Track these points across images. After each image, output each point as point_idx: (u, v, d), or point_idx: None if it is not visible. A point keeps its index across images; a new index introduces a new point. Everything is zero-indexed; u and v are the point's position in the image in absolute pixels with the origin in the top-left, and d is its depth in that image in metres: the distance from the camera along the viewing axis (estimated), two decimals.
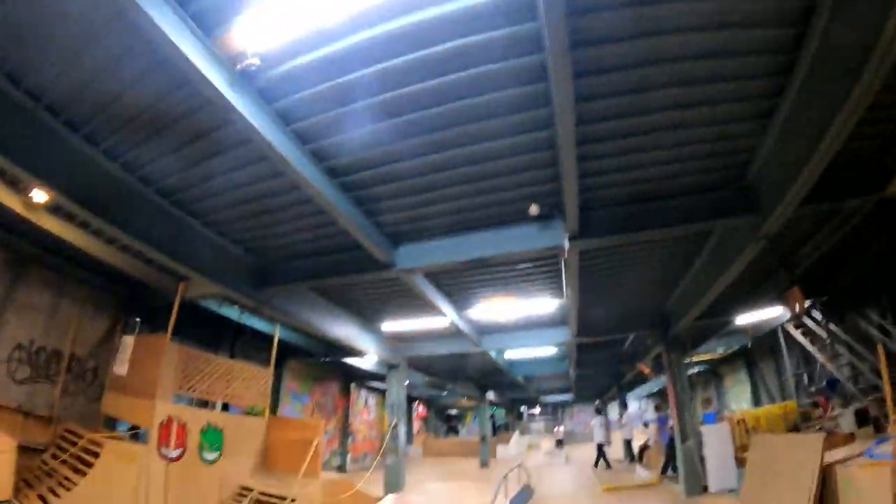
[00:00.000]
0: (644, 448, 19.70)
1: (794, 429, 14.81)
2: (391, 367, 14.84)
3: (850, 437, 11.48)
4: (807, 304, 14.41)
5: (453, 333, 12.92)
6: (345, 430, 21.51)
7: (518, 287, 10.56)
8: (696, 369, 26.83)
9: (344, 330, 11.91)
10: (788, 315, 15.18)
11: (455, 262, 8.16)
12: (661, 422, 19.21)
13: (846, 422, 12.30)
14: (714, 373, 28.33)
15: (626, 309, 12.33)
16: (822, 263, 11.04)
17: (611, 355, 17.98)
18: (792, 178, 5.71)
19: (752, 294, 12.00)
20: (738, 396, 25.54)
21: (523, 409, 45.58)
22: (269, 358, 12.15)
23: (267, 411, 11.93)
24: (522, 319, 12.79)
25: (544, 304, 11.32)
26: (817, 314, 15.09)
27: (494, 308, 11.48)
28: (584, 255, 8.01)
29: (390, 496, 12.77)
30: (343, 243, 8.08)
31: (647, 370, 16.09)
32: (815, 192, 6.11)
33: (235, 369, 11.16)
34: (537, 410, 46.06)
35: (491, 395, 27.83)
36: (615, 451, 24.23)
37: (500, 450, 30.33)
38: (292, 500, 9.41)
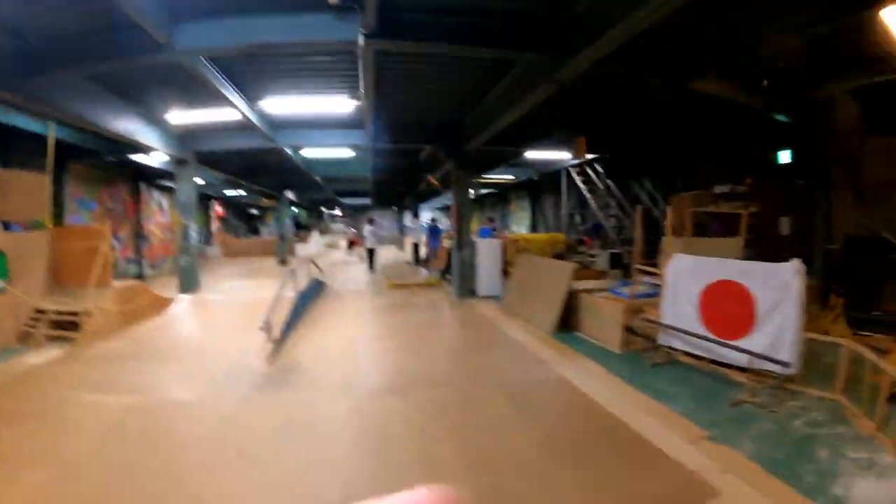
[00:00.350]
0: (430, 253, 21.33)
1: (559, 257, 16.80)
2: (180, 163, 13.64)
3: (603, 274, 13.39)
4: (590, 156, 15.74)
5: (246, 127, 12.05)
6: (139, 236, 19.77)
7: (314, 82, 9.86)
8: (487, 191, 28.92)
9: (126, 124, 10.51)
10: (573, 160, 16.55)
11: (241, 46, 7.12)
12: (433, 231, 20.78)
13: (601, 261, 14.35)
14: (502, 197, 30.69)
15: (423, 120, 12.32)
16: (615, 126, 11.90)
17: (407, 164, 18.34)
18: (598, 35, 5.81)
19: (543, 133, 12.79)
20: (520, 221, 28.25)
21: (325, 210, 46.10)
22: (45, 163, 10.54)
23: (50, 223, 10.65)
24: (319, 117, 12.20)
25: (341, 103, 10.80)
26: (599, 167, 16.61)
27: (289, 102, 10.76)
28: (383, 57, 7.54)
29: (185, 296, 12.48)
30: (116, 21, 6.70)
31: (435, 182, 16.78)
32: (616, 57, 6.34)
33: (6, 179, 9.66)
34: (339, 212, 46.82)
35: (290, 195, 27.47)
36: (407, 255, 26.53)
37: (300, 249, 30.88)
38: (87, 315, 8.89)
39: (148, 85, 9.76)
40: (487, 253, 13.09)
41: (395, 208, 40.71)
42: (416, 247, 23.29)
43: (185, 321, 10.78)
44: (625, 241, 15.31)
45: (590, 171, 17.31)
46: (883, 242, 8.87)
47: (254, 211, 39.32)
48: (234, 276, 19.71)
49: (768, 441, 4.58)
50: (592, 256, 15.42)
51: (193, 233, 13.98)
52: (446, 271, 15.81)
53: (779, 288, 5.77)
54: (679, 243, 8.74)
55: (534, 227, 25.87)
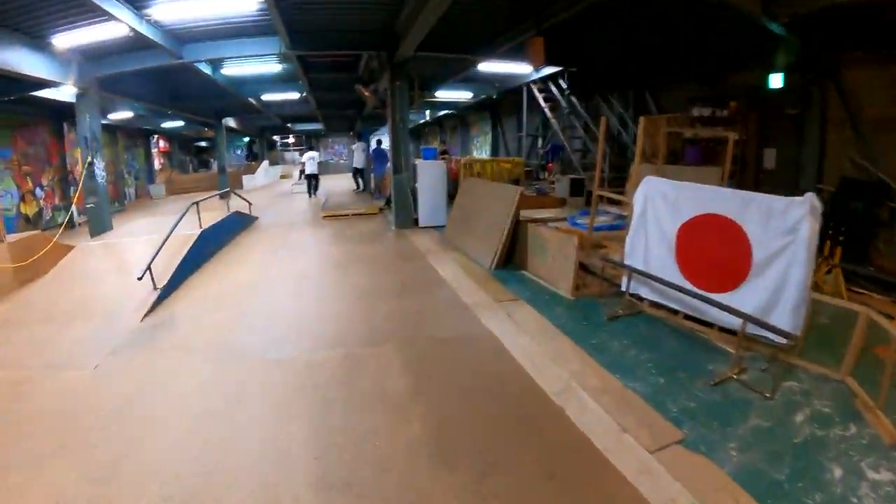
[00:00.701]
0: (377, 179, 19.67)
1: (516, 183, 15.30)
2: (80, 94, 11.60)
3: (563, 202, 11.86)
4: (554, 69, 13.95)
5: (145, 44, 10.12)
6: (66, 180, 17.68)
7: None
8: (445, 112, 26.75)
9: (4, 54, 8.85)
10: (534, 74, 14.86)
11: None
12: (378, 155, 19.15)
13: (561, 187, 12.68)
14: (462, 120, 28.60)
15: (346, 24, 10.12)
16: (580, 29, 10.06)
17: (348, 81, 16.03)
18: None
19: (491, 35, 10.85)
20: (481, 146, 26.36)
21: (277, 138, 43.18)
22: None
23: None
24: (223, 22, 9.93)
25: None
26: (564, 83, 14.82)
27: (182, 5, 8.82)
28: None
29: (92, 242, 10.73)
30: None
31: (366, 93, 14.34)
32: None
33: None
34: (291, 140, 43.90)
35: (231, 122, 24.96)
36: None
37: (247, 181, 28.37)
38: None
39: (15, 5, 8.07)
40: (430, 177, 11.31)
41: (351, 134, 38.33)
42: (358, 172, 21.29)
43: (78, 272, 9.10)
44: (588, 166, 13.74)
45: (553, 88, 15.47)
46: (882, 187, 7.43)
47: (202, 143, 36.36)
48: (166, 214, 17.76)
49: (763, 449, 3.15)
50: (553, 183, 13.86)
51: (100, 171, 12.07)
52: (391, 199, 14.19)
53: (784, 230, 4.16)
54: (650, 171, 7.13)
55: (495, 152, 24.07)
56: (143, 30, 9.00)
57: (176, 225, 8.35)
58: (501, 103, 21.49)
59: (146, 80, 14.00)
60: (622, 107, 14.06)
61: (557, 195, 12.63)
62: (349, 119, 27.68)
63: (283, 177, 36.14)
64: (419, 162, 11.35)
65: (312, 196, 19.85)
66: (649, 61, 12.38)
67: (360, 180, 20.96)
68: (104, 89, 12.79)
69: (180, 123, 24.08)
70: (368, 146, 21.58)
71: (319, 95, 17.87)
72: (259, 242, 10.89)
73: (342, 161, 42.64)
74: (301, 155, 26.87)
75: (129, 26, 8.66)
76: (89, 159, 11.67)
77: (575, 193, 12.40)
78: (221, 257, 9.45)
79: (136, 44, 10.24)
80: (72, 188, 17.86)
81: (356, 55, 12.42)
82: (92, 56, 11.04)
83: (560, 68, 14.08)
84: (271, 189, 26.51)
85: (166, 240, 7.73)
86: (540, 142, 18.49)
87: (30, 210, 15.37)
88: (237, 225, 11.80)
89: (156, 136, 28.10)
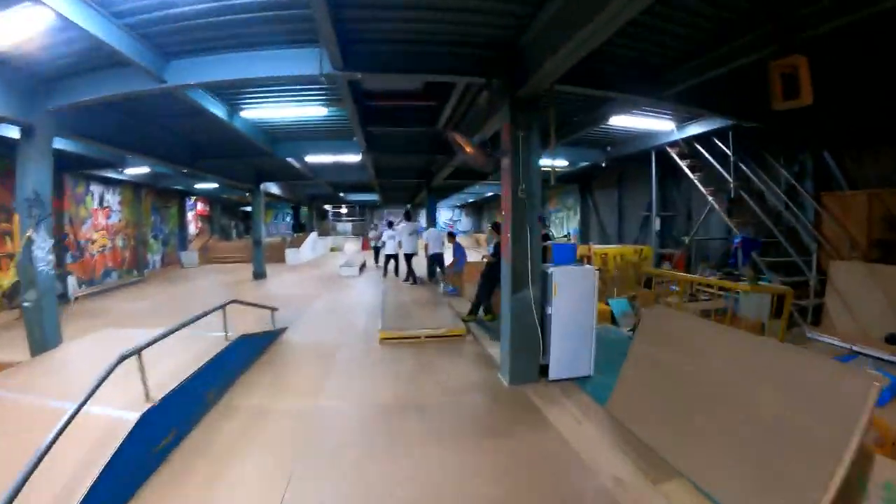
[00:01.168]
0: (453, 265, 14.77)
1: (646, 284, 10.85)
2: (24, 132, 7.31)
3: (758, 329, 7.20)
4: (711, 126, 10.06)
5: (113, 59, 6.23)
6: (62, 243, 14.41)
7: None
8: None
9: None
10: (673, 129, 10.66)
11: None
12: (449, 236, 15.30)
13: (755, 305, 7.84)
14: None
15: (440, 34, 5.83)
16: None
17: (421, 137, 11.55)
18: None
19: (682, 61, 6.51)
20: (562, 224, 21.70)
21: (328, 208, 39.82)
22: None
23: None
24: (219, 11, 5.75)
25: None
26: (726, 147, 10.45)
27: None
28: None
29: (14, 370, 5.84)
30: None
31: (467, 148, 7.56)
32: None
33: None
34: (344, 210, 40.49)
35: (273, 188, 21.09)
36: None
37: (291, 255, 24.44)
38: None
39: None
40: (570, 295, 6.23)
41: (409, 206, 34.51)
42: (408, 259, 15.80)
43: None
44: (778, 266, 9.11)
45: (704, 152, 10.99)
46: None
47: (248, 208, 33.19)
48: (185, 297, 14.09)
49: None
50: (734, 292, 8.93)
51: (43, 252, 7.48)
52: (480, 305, 9.56)
53: None
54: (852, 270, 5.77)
55: (584, 235, 19.39)
56: (77, 15, 4.96)
57: (87, 400, 3.70)
58: (596, 172, 17.16)
59: (141, 125, 10.24)
60: (796, 174, 9.59)
61: (748, 316, 7.89)
62: (411, 189, 23.42)
63: (332, 249, 32.99)
64: (554, 271, 6.23)
65: (387, 275, 17.32)
66: (841, 111, 8.33)
67: (412, 271, 15.71)
68: (80, 134, 8.97)
69: (215, 185, 20.56)
70: (420, 226, 18.09)
71: (378, 157, 13.44)
72: (257, 427, 5.32)
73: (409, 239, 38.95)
74: (377, 229, 22.76)
75: (53, 9, 4.69)
76: (29, 233, 7.42)
77: (776, 313, 7.71)
78: (169, 474, 4.32)
79: (104, 59, 6.44)
80: (67, 253, 14.75)
81: (442, 92, 8.13)
82: (38, 78, 7.11)
83: (728, 122, 9.64)
84: (318, 267, 22.35)
85: (52, 444, 3.20)
86: (658, 223, 13.87)
87: (4, 279, 11.82)
88: (237, 364, 6.82)
89: (193, 198, 24.90)
